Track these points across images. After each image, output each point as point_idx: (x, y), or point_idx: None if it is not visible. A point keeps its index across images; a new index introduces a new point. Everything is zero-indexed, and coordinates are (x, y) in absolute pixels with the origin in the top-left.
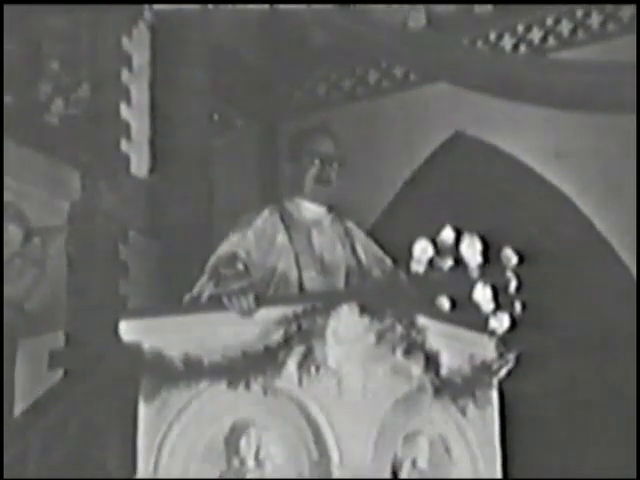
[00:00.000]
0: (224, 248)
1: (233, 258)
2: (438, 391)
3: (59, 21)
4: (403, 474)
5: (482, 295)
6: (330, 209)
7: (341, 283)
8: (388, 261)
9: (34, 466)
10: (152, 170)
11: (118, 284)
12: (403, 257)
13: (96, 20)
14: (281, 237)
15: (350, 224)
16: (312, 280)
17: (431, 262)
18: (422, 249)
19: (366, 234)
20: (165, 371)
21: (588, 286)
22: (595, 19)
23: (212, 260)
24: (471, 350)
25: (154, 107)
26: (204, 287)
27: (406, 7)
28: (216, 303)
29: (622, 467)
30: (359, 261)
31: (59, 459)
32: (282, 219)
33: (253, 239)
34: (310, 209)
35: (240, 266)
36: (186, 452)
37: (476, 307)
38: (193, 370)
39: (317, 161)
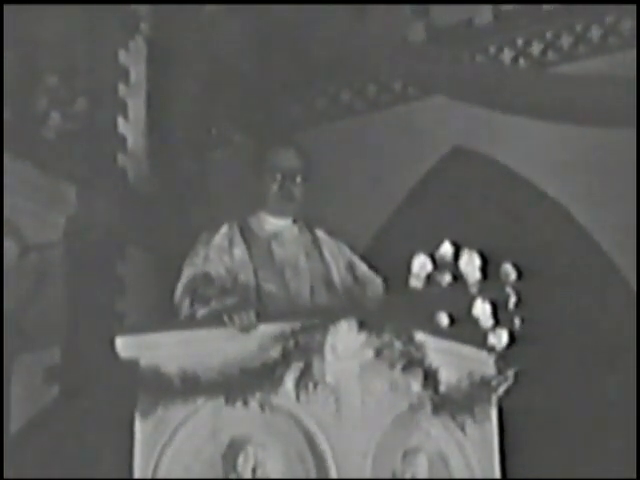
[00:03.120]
0: (191, 271)
1: (208, 278)
2: (437, 407)
3: (56, 35)
4: None
5: (481, 311)
6: (295, 220)
7: (304, 295)
8: (364, 267)
9: None
10: (149, 184)
11: (115, 300)
12: (402, 272)
13: (93, 34)
14: (239, 252)
15: (320, 233)
16: (271, 294)
17: (430, 278)
18: (421, 264)
19: (363, 247)
20: (162, 387)
21: (587, 301)
22: (595, 33)
23: (184, 284)
24: (470, 366)
25: (151, 121)
26: (195, 311)
27: (405, 20)
28: (213, 319)
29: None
30: (328, 269)
31: (55, 475)
32: (242, 234)
33: (216, 257)
34: (272, 222)
35: (219, 284)
36: (183, 469)
37: (475, 323)
38: (190, 386)
39: (279, 175)
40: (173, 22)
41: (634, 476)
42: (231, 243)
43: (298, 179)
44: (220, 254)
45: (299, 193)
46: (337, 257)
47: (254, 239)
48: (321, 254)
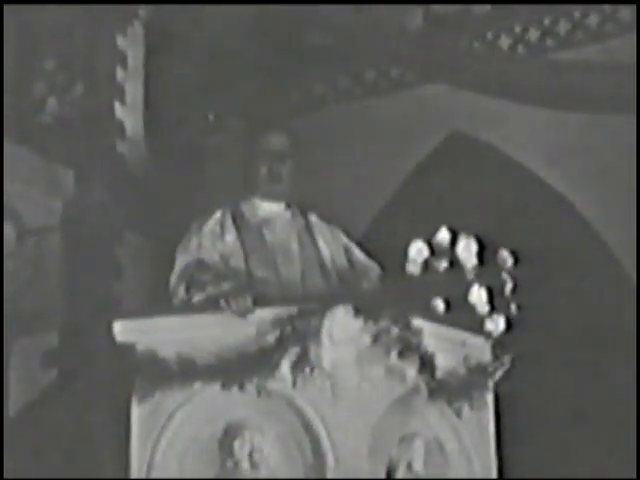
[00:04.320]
0: (184, 258)
1: (202, 264)
2: (433, 393)
3: (54, 20)
4: (398, 476)
5: (478, 297)
6: (289, 205)
7: (295, 280)
8: (359, 253)
9: (28, 466)
10: (147, 169)
11: (112, 284)
12: (399, 258)
13: (91, 19)
14: (231, 238)
15: (314, 218)
16: (263, 279)
17: (426, 264)
18: (418, 250)
19: (360, 233)
20: (159, 372)
21: (585, 288)
22: (593, 19)
23: (178, 272)
24: (466, 352)
25: (149, 106)
26: (191, 297)
27: (403, 7)
28: (210, 304)
29: (621, 468)
30: (320, 255)
31: (53, 460)
32: (234, 220)
33: (208, 243)
34: (265, 208)
35: (214, 270)
36: (180, 453)
37: (472, 309)
38: (187, 371)
39: (268, 158)
40: (171, 7)
41: (634, 476)
42: (223, 229)
43: (288, 162)
44: (213, 240)
45: (289, 176)
46: (331, 242)
47: (246, 225)
48: (314, 240)
